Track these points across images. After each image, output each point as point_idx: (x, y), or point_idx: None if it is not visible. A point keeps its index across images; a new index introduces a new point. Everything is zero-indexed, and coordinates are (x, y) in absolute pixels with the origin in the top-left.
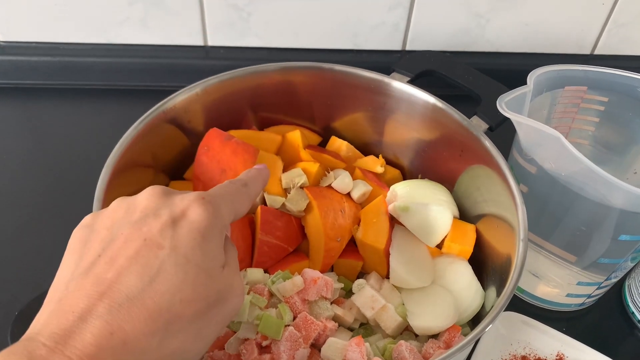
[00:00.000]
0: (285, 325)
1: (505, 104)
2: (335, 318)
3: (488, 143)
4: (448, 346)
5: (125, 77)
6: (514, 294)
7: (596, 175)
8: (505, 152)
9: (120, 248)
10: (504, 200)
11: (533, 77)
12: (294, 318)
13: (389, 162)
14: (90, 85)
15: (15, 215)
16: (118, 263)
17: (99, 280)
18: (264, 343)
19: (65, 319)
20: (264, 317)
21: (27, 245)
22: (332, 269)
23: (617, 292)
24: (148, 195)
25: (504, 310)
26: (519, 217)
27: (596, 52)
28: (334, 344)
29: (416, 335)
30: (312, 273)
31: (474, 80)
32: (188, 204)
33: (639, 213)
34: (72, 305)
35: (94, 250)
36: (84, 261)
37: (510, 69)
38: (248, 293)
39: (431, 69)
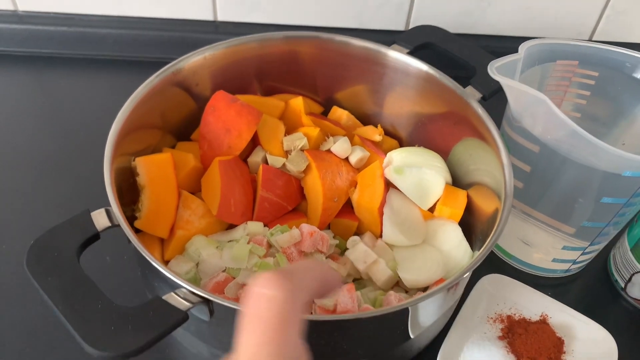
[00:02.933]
0: None
1: (496, 69)
2: None
3: (480, 110)
4: None
5: (137, 49)
6: (505, 261)
7: (581, 137)
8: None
9: None
10: (493, 167)
11: (525, 47)
12: None
13: (387, 133)
14: (103, 56)
15: (31, 171)
16: None
17: None
18: None
19: None
20: (261, 264)
21: (41, 197)
22: (328, 227)
23: (602, 263)
24: None
25: (495, 273)
26: (506, 179)
27: (594, 39)
28: None
29: (406, 292)
30: (309, 227)
31: (470, 53)
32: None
33: (619, 175)
34: None
35: None
36: None
37: (509, 52)
38: (248, 243)
39: (430, 42)
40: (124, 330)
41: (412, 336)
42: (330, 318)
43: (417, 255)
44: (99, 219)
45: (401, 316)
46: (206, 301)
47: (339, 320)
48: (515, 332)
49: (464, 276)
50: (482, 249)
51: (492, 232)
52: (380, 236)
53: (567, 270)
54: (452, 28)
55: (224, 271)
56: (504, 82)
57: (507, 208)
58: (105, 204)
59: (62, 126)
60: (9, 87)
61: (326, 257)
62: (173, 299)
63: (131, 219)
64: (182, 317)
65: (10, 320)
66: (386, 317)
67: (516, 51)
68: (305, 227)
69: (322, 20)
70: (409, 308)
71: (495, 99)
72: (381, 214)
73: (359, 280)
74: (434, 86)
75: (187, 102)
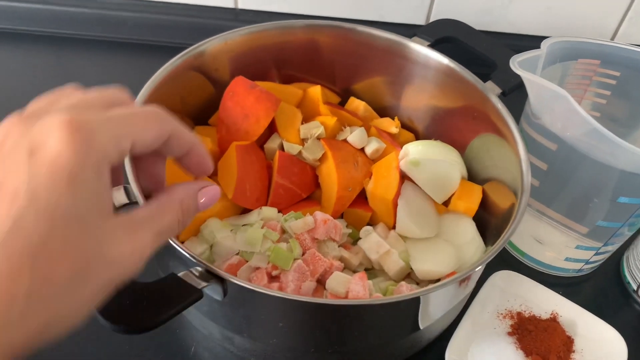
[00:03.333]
0: (295, 259)
1: (518, 63)
2: (341, 260)
3: (500, 105)
4: None
5: (156, 33)
6: (518, 259)
7: (601, 135)
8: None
9: None
10: (510, 160)
11: (547, 43)
12: (303, 254)
13: (404, 126)
14: (122, 39)
15: None
16: None
17: None
18: (274, 273)
19: None
20: (275, 249)
21: None
22: (341, 217)
23: (614, 264)
24: (6, 127)
25: (507, 270)
26: (524, 176)
27: (616, 40)
28: (339, 277)
29: (417, 283)
30: (322, 215)
31: (491, 49)
32: (48, 132)
33: (638, 174)
34: None
35: None
36: None
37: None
38: (262, 227)
39: (451, 36)
40: (140, 306)
41: (421, 327)
42: (342, 303)
43: (430, 248)
44: (117, 196)
45: (412, 306)
46: (220, 280)
47: (350, 305)
48: (525, 328)
49: (476, 269)
50: (496, 243)
51: (507, 228)
52: (394, 227)
53: (579, 270)
54: (473, 25)
55: (237, 254)
56: (526, 76)
57: (523, 204)
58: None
59: None
60: (28, 66)
61: (339, 246)
62: (188, 277)
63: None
64: (197, 294)
65: None
66: (397, 306)
67: (530, 47)
68: (319, 215)
69: (341, 12)
70: (420, 297)
71: (514, 95)
72: (395, 205)
73: (371, 271)
74: (453, 80)
75: (206, 87)
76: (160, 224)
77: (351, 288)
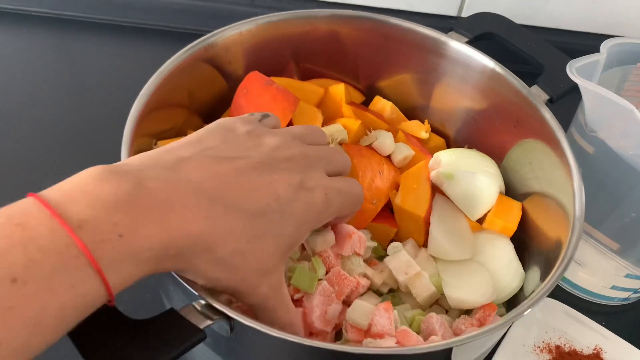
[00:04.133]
0: (319, 280)
1: (576, 70)
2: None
3: (548, 114)
4: (481, 324)
5: (167, 17)
6: None
7: None
8: (564, 129)
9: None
10: (558, 178)
11: (607, 46)
12: (327, 272)
13: (433, 130)
14: (129, 23)
15: (46, 143)
16: (247, 176)
17: (221, 175)
18: (296, 296)
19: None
20: (297, 270)
21: (54, 171)
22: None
23: None
24: (293, 149)
25: None
26: (576, 197)
27: None
28: (361, 307)
29: (447, 311)
30: (347, 228)
31: (537, 49)
32: (318, 187)
33: None
34: (188, 172)
35: (234, 149)
36: (218, 150)
37: (569, 47)
38: None
39: (492, 32)
40: (131, 347)
41: None
42: (367, 352)
43: (463, 272)
44: None
45: (444, 353)
46: (227, 317)
47: (377, 355)
48: None
49: (525, 313)
50: (546, 281)
51: (559, 261)
52: (424, 246)
53: (625, 299)
54: (509, 17)
55: None
56: (586, 86)
57: (577, 232)
58: None
59: (82, 96)
60: (30, 49)
61: (363, 261)
62: (190, 313)
63: None
64: (199, 336)
65: None
66: (428, 355)
67: (578, 47)
68: (344, 228)
69: (367, 0)
70: (453, 348)
71: (562, 102)
72: (427, 222)
73: (395, 292)
74: (495, 83)
75: (218, 81)
76: (281, 313)
77: (375, 321)
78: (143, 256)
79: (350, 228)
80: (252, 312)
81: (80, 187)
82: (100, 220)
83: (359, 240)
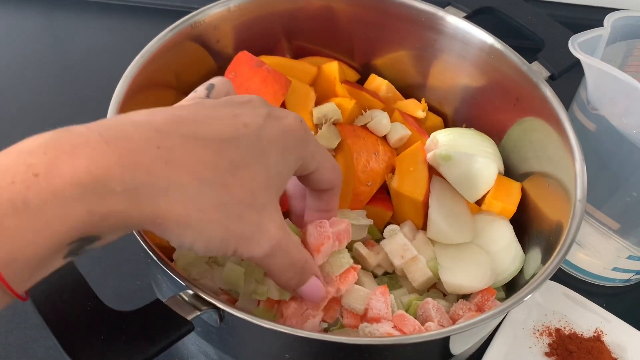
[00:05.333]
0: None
1: (578, 45)
2: (358, 258)
3: (549, 92)
4: (479, 309)
5: None
6: None
7: None
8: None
9: (203, 109)
10: (559, 157)
11: (611, 19)
12: None
13: (431, 109)
14: (117, 1)
15: (29, 123)
16: (199, 114)
17: (173, 115)
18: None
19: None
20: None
21: None
22: None
23: None
24: (254, 96)
25: None
26: (577, 178)
27: None
28: (357, 292)
29: (444, 295)
30: (315, 239)
31: (538, 23)
32: (287, 114)
33: None
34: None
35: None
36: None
37: (572, 22)
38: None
39: (490, 6)
40: (115, 341)
41: (454, 354)
42: (356, 342)
43: (461, 256)
44: None
45: (442, 340)
46: (215, 308)
47: (368, 345)
48: (566, 349)
49: (525, 299)
50: (546, 266)
51: (559, 245)
52: (422, 229)
53: (627, 280)
54: None
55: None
56: (589, 62)
57: (579, 214)
58: None
59: (67, 75)
60: (15, 28)
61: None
62: (177, 303)
63: None
64: (186, 328)
65: None
66: (425, 344)
67: (581, 22)
68: (311, 239)
69: None
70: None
71: (563, 79)
72: (425, 205)
73: (391, 275)
74: (494, 59)
75: (206, 60)
76: (291, 252)
77: (371, 305)
78: (70, 194)
79: (319, 240)
80: (262, 266)
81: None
82: (11, 166)
83: (339, 237)
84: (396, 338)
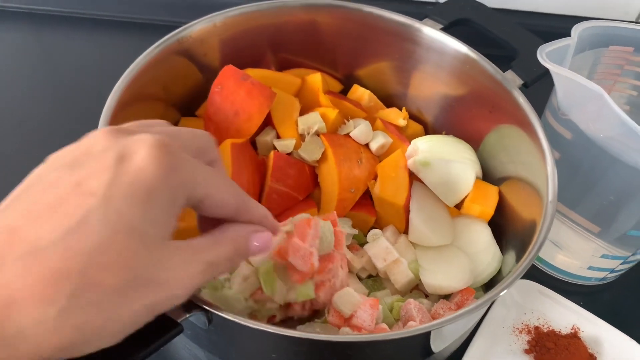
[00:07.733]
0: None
1: (546, 54)
2: None
3: (522, 99)
4: (459, 308)
5: (144, 10)
6: (532, 263)
7: (638, 137)
8: (538, 114)
9: (41, 193)
10: (533, 162)
11: (578, 30)
12: None
13: (412, 117)
14: (105, 17)
15: (19, 139)
16: (34, 209)
17: (7, 227)
18: None
19: None
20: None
21: (28, 165)
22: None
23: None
24: (97, 134)
25: (521, 279)
26: (549, 180)
27: None
28: (349, 296)
29: (426, 296)
30: (302, 262)
31: (512, 33)
32: (140, 145)
33: None
34: None
35: (14, 195)
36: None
37: (545, 31)
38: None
39: (466, 18)
40: None
41: (434, 351)
42: (343, 339)
43: (442, 257)
44: None
45: (422, 337)
46: (204, 310)
47: (350, 342)
48: (544, 345)
49: (501, 295)
50: (521, 261)
51: (532, 243)
52: (404, 232)
53: (602, 279)
54: (488, 2)
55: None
56: (557, 70)
57: (550, 214)
58: None
59: (57, 91)
60: (4, 44)
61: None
62: None
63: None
64: (176, 330)
65: None
66: (405, 340)
67: (553, 30)
68: (297, 263)
69: None
70: (431, 332)
71: (536, 88)
72: (406, 210)
73: (375, 278)
74: (470, 68)
75: (194, 73)
76: (213, 255)
77: (358, 314)
78: None
79: (303, 256)
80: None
81: None
82: None
83: (313, 241)
84: (378, 335)
